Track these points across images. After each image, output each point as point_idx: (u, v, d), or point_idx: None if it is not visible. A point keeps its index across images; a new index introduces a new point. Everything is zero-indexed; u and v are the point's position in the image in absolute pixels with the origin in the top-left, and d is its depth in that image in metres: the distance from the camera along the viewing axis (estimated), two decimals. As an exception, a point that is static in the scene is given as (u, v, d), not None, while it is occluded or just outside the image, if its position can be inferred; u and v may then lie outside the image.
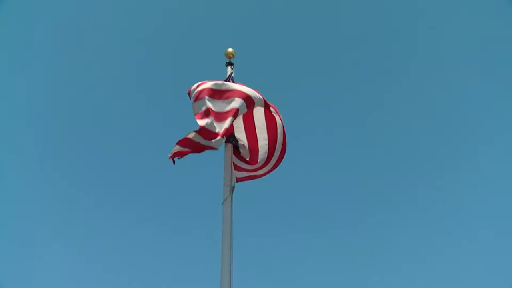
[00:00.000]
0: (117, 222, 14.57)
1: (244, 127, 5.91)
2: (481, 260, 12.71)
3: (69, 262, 13.02)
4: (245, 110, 5.43)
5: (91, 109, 15.96)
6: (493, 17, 14.76)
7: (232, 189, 5.54)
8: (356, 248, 14.18)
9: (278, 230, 14.82)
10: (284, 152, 5.91)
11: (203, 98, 5.34)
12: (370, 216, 15.06)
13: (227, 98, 5.39)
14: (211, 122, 5.14)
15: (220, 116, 5.21)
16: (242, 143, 5.89)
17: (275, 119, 5.77)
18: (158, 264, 13.63)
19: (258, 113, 5.89)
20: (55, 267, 12.83)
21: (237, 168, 5.90)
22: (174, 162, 5.39)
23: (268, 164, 5.90)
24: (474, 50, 15.56)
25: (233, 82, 6.54)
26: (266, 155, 5.81)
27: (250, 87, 5.59)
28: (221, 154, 5.88)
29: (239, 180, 6.02)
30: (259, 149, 5.86)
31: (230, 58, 6.85)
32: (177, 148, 5.39)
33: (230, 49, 6.87)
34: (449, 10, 15.67)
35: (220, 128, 5.07)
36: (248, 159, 5.91)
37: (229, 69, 6.78)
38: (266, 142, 5.81)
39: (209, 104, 5.27)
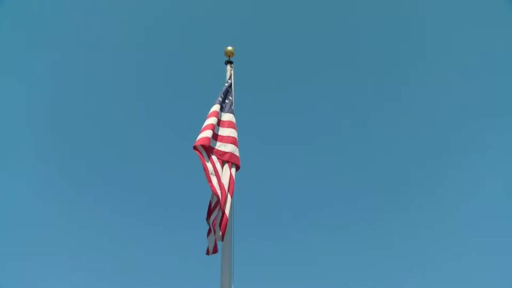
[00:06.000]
0: (116, 222, 14.52)
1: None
2: (482, 260, 12.69)
3: (69, 262, 12.99)
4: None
5: (91, 109, 15.95)
6: (494, 18, 14.76)
7: None
8: (356, 249, 14.17)
9: (278, 230, 14.79)
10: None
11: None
12: (371, 216, 15.02)
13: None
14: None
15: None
16: None
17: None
18: (157, 263, 13.62)
19: None
20: (55, 267, 12.81)
21: None
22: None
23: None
24: (474, 51, 15.56)
25: (232, 81, 6.56)
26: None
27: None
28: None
29: None
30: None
31: (229, 57, 6.79)
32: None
33: (229, 48, 6.80)
34: (450, 11, 15.69)
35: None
36: None
37: (228, 67, 6.75)
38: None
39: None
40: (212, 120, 5.75)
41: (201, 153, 5.34)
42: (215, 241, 5.16)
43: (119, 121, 16.23)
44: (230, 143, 5.78)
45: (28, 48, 14.90)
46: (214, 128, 5.71)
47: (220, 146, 5.68)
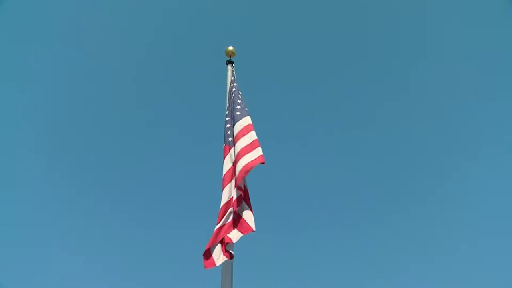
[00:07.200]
0: (116, 222, 14.52)
1: None
2: (481, 260, 12.70)
3: (69, 262, 12.98)
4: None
5: (90, 109, 15.96)
6: (494, 18, 14.77)
7: None
8: (356, 249, 14.17)
9: (279, 229, 14.79)
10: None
11: None
12: (372, 216, 15.02)
13: None
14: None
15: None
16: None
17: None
18: (158, 263, 13.61)
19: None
20: (55, 267, 12.82)
21: None
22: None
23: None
24: (475, 52, 15.57)
25: (235, 82, 6.53)
26: None
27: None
28: (220, 153, 5.91)
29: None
30: None
31: (230, 57, 6.79)
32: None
33: (230, 48, 6.80)
34: (450, 11, 15.69)
35: None
36: None
37: (229, 67, 6.74)
38: None
39: None
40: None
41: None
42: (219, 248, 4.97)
43: (119, 121, 16.25)
44: (253, 149, 5.42)
45: (28, 48, 14.92)
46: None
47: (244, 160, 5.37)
